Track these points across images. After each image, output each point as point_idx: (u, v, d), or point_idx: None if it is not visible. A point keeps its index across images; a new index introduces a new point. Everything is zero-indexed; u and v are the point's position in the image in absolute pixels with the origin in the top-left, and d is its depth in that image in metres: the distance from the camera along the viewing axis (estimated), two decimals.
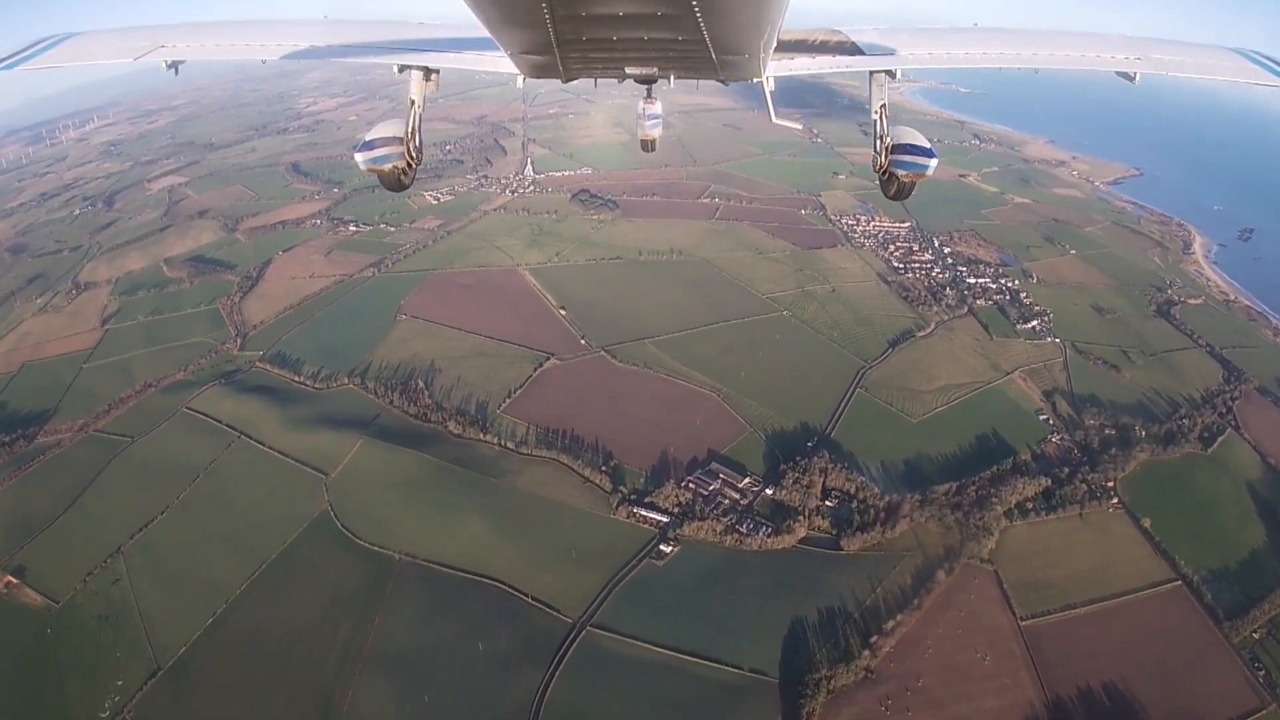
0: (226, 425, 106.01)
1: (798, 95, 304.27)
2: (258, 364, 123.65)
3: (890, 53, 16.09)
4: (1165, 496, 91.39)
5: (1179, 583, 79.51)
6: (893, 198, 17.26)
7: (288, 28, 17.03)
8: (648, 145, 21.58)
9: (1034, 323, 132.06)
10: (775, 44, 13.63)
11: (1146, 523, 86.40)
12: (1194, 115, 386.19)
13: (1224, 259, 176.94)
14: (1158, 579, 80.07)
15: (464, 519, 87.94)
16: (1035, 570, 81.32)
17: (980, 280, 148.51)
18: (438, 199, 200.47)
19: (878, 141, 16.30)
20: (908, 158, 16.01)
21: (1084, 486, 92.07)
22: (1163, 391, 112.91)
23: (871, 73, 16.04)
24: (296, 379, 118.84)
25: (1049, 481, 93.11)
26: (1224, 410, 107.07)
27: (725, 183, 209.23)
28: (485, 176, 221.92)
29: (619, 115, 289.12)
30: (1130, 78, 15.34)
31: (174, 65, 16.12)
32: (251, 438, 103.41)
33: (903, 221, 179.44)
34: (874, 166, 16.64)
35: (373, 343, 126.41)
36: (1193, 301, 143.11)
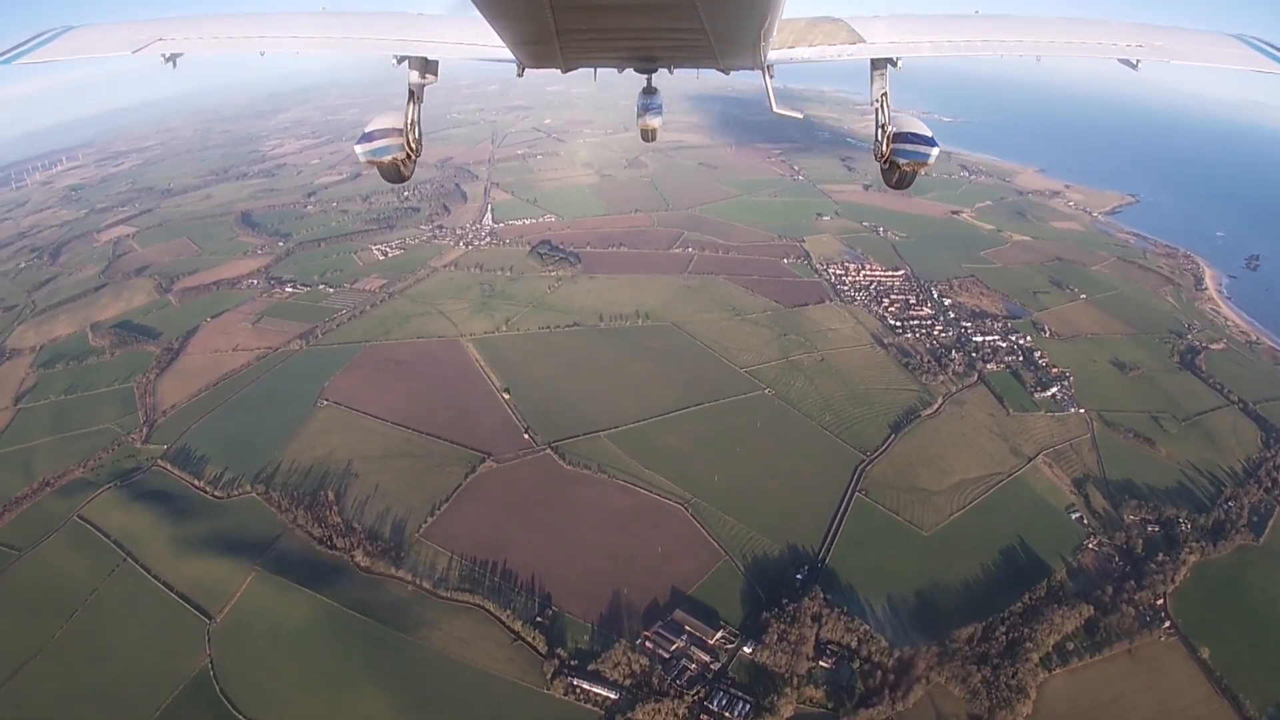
0: (114, 543, 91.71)
1: (774, 129, 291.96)
2: (159, 463, 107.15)
3: (892, 40, 15.12)
4: (1222, 611, 77.74)
5: None
6: (894, 186, 16.98)
7: (285, 19, 16.35)
8: (649, 134, 19.80)
9: (1053, 389, 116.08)
10: (775, 32, 12.60)
11: (1205, 653, 72.34)
12: (1180, 131, 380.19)
13: (1237, 292, 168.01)
14: None
15: (362, 694, 69.05)
16: None
17: (988, 338, 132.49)
18: (386, 254, 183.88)
19: (879, 130, 15.83)
20: (910, 146, 15.58)
21: (1131, 611, 76.82)
22: (1203, 466, 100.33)
23: (873, 60, 15.33)
24: (196, 484, 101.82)
25: (1091, 610, 76.52)
26: (1269, 484, 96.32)
27: (700, 229, 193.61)
28: (441, 227, 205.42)
29: (590, 155, 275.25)
30: (1133, 65, 14.54)
31: (172, 58, 15.45)
32: (138, 561, 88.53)
33: (896, 269, 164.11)
34: (875, 155, 16.22)
35: (287, 436, 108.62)
36: (1215, 347, 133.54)
